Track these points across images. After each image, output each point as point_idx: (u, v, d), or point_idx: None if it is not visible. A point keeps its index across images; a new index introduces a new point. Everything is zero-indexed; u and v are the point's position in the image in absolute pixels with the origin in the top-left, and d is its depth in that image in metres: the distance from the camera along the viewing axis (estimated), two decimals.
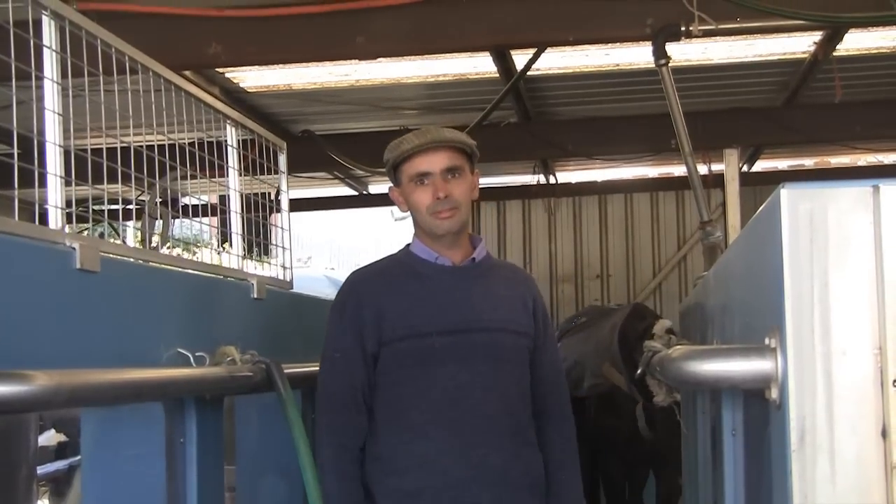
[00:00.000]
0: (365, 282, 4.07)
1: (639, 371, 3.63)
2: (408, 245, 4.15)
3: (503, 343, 4.02)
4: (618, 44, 8.18)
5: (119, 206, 4.31)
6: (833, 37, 8.29)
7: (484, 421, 3.92)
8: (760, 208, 2.08)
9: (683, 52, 8.31)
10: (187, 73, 7.74)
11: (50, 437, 8.41)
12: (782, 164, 13.83)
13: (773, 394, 1.87)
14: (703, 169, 10.26)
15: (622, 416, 7.62)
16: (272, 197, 5.48)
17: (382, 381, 3.94)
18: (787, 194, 1.82)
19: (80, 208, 3.59)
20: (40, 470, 6.65)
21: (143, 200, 4.92)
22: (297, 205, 12.17)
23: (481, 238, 4.22)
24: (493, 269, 4.20)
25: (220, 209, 4.93)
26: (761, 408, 2.21)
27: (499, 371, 3.98)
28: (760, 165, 13.44)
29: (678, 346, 2.61)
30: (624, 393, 7.56)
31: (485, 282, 4.09)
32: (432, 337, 3.90)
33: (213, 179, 4.71)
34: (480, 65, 8.96)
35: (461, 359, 3.92)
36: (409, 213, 4.10)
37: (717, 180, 11.07)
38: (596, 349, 8.16)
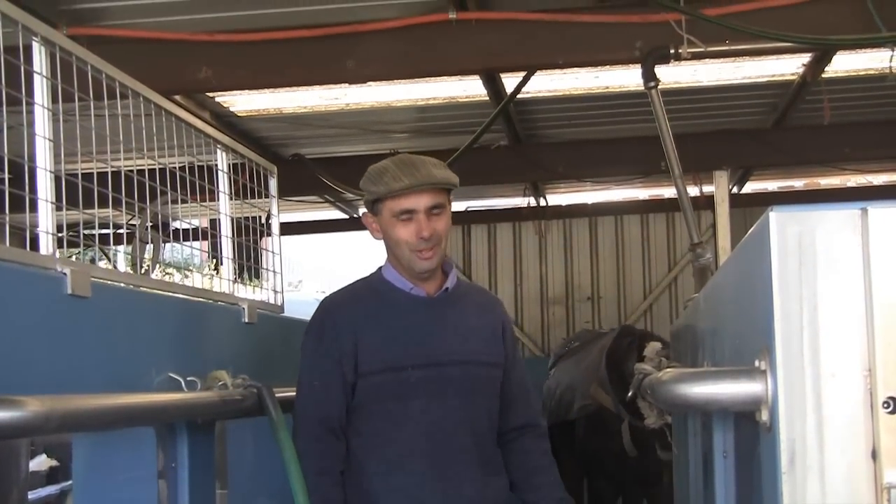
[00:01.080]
0: (341, 308, 4.04)
1: (630, 393, 3.63)
2: (379, 268, 4.14)
3: (476, 375, 4.04)
4: (607, 66, 8.21)
5: (110, 231, 4.30)
6: (821, 59, 8.32)
7: (457, 453, 3.95)
8: (750, 231, 2.08)
9: (673, 75, 8.33)
10: (177, 97, 7.75)
11: (41, 462, 8.38)
12: (772, 185, 13.88)
13: (764, 416, 1.88)
14: (693, 191, 10.30)
15: (610, 436, 7.63)
16: (263, 221, 5.48)
17: (359, 413, 3.94)
18: (776, 217, 1.83)
19: (71, 233, 3.59)
20: (31, 495, 6.63)
21: (134, 225, 4.92)
22: (288, 228, 12.16)
23: (452, 264, 4.20)
24: (464, 296, 4.19)
25: (210, 233, 4.93)
26: (752, 430, 2.21)
27: (471, 404, 4.01)
28: (750, 187, 13.48)
29: (668, 369, 2.61)
30: (611, 413, 7.57)
31: (457, 312, 4.09)
32: (408, 371, 3.91)
33: (204, 204, 4.71)
34: (470, 88, 8.97)
35: (435, 393, 3.93)
36: (381, 239, 4.07)
37: (707, 202, 11.09)
38: (585, 372, 8.19)
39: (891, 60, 7.35)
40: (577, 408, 8.11)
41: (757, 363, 1.90)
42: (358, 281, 4.19)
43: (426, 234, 3.88)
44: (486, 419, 4.07)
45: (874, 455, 1.77)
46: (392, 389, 3.89)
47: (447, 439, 3.93)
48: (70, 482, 4.41)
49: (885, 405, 1.76)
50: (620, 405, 7.34)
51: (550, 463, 4.26)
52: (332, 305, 4.07)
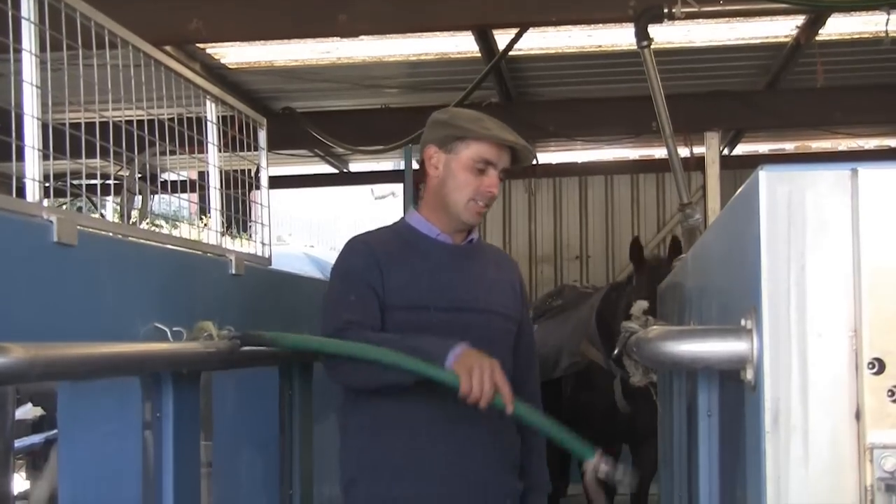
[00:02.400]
0: (367, 245, 3.99)
1: (616, 351, 3.64)
2: (402, 218, 4.15)
3: (494, 325, 4.04)
4: (600, 25, 8.20)
5: (98, 182, 4.29)
6: (815, 21, 8.31)
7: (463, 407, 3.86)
8: (739, 190, 2.08)
9: (666, 35, 8.32)
10: (168, 48, 7.71)
11: (27, 411, 8.39)
12: (763, 147, 13.88)
13: (749, 375, 1.87)
14: (683, 152, 10.29)
15: (598, 393, 7.65)
16: (252, 174, 5.47)
17: None
18: (766, 176, 1.82)
19: (59, 183, 3.58)
20: (17, 444, 6.64)
21: (123, 176, 4.91)
22: (278, 182, 12.13)
23: None
24: (484, 251, 4.24)
25: (199, 185, 4.92)
26: (736, 389, 2.22)
27: (489, 353, 3.85)
28: (741, 149, 13.48)
29: (655, 327, 2.61)
30: (600, 370, 7.59)
31: (478, 263, 4.11)
32: (430, 311, 3.90)
33: (193, 155, 4.69)
34: (462, 44, 8.96)
35: (455, 337, 3.81)
36: (434, 176, 4.04)
37: (697, 163, 11.08)
38: (574, 330, 8.20)
39: (886, 24, 7.33)
40: (565, 365, 8.12)
41: (743, 322, 1.89)
42: (382, 227, 4.20)
43: (495, 190, 3.93)
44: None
45: (858, 416, 1.77)
46: (412, 328, 3.84)
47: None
48: (55, 431, 4.41)
49: (871, 366, 1.76)
50: (610, 360, 7.37)
51: (541, 446, 4.27)
52: (358, 243, 4.02)
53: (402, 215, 4.18)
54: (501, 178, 3.98)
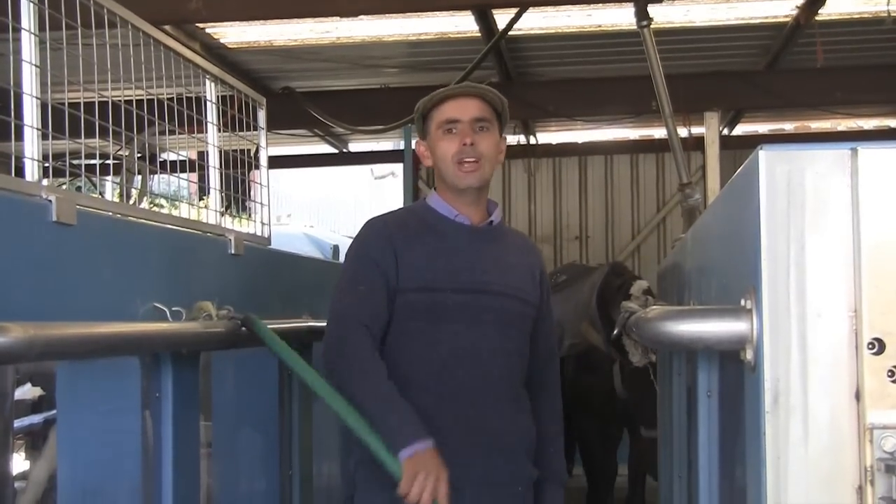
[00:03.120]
0: (387, 226, 3.98)
1: (615, 332, 3.64)
2: (424, 199, 4.13)
3: (511, 309, 3.99)
4: (600, 4, 8.18)
5: (97, 161, 4.28)
6: (815, 1, 8.29)
7: (485, 383, 3.89)
8: (739, 169, 2.07)
9: (666, 15, 8.31)
10: (167, 28, 7.70)
11: (27, 391, 8.39)
12: (762, 128, 13.87)
13: (748, 355, 1.87)
14: (683, 132, 10.28)
15: (598, 375, 7.65)
16: (251, 153, 5.46)
17: (390, 330, 3.86)
18: (766, 156, 1.82)
19: (58, 163, 3.57)
20: (16, 424, 6.64)
21: (122, 156, 4.90)
22: (278, 162, 12.15)
23: (497, 203, 4.17)
24: (505, 234, 4.19)
25: (199, 165, 4.91)
26: (736, 369, 2.22)
27: (504, 336, 3.95)
28: (741, 129, 13.47)
29: (654, 307, 2.61)
30: (601, 352, 7.59)
31: (498, 246, 4.06)
32: (446, 293, 3.86)
33: (193, 135, 4.69)
34: (462, 24, 8.94)
35: (470, 319, 3.88)
36: (428, 165, 4.08)
37: (697, 143, 11.08)
38: (575, 309, 8.19)
39: (887, 4, 7.31)
40: (566, 346, 8.12)
41: (743, 302, 1.89)
42: (402, 208, 4.21)
43: (468, 139, 3.88)
44: (518, 356, 4.02)
45: (858, 396, 1.77)
46: (427, 310, 3.84)
47: (476, 366, 3.87)
48: (54, 412, 4.41)
49: (870, 346, 1.76)
50: (610, 346, 7.37)
51: (558, 430, 4.25)
52: (377, 223, 4.02)
53: (402, 195, 4.17)
54: (480, 129, 3.93)
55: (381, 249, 3.88)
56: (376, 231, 3.97)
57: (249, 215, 5.53)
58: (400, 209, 4.19)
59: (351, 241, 4.08)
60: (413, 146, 4.13)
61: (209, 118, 4.81)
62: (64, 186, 4.55)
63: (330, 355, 3.79)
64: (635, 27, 6.68)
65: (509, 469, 3.96)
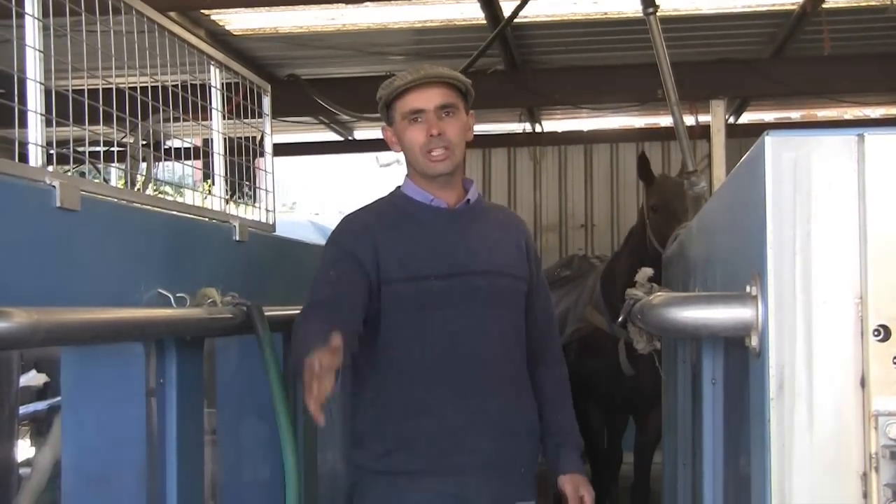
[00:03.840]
0: (360, 222, 3.97)
1: (621, 318, 3.63)
2: (398, 187, 4.09)
3: (501, 287, 3.97)
4: None
5: (101, 148, 4.28)
6: None
7: (482, 367, 3.88)
8: (745, 156, 2.07)
9: (672, 2, 8.29)
10: (172, 14, 7.69)
11: (32, 378, 8.40)
12: (768, 116, 13.84)
13: (753, 342, 1.87)
14: (689, 120, 10.25)
15: (605, 358, 7.63)
16: (256, 140, 5.46)
17: (379, 323, 3.84)
18: (772, 142, 1.81)
19: (63, 149, 3.57)
20: (21, 410, 6.64)
21: (127, 142, 4.90)
22: (283, 150, 12.12)
23: (472, 180, 4.16)
24: (486, 211, 4.16)
25: (203, 151, 4.91)
26: (741, 357, 2.21)
27: (497, 316, 3.94)
28: (747, 117, 13.44)
29: (659, 294, 2.60)
30: (604, 335, 7.59)
31: (480, 224, 4.03)
32: (430, 280, 3.84)
33: (198, 122, 4.68)
34: (467, 11, 8.92)
35: (459, 303, 3.86)
36: (401, 153, 4.04)
37: (703, 132, 11.05)
38: (579, 298, 8.20)
39: None
40: (570, 331, 8.12)
41: (748, 289, 1.88)
42: (378, 199, 4.14)
43: (435, 130, 3.85)
44: (514, 334, 4.01)
45: (863, 383, 1.76)
46: (414, 300, 3.82)
47: (472, 352, 3.86)
48: (59, 398, 4.41)
49: (876, 333, 1.75)
50: (614, 325, 7.38)
51: (565, 397, 4.25)
52: (352, 217, 4.03)
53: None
54: (445, 115, 3.90)
55: (357, 242, 3.87)
56: (352, 225, 3.98)
57: (255, 202, 5.52)
58: (375, 201, 4.12)
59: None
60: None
61: (214, 105, 4.80)
62: (68, 173, 4.54)
63: (293, 328, 3.76)
64: (641, 14, 6.65)
65: (511, 451, 3.97)
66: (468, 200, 4.04)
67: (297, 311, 3.96)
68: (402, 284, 3.83)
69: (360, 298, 3.79)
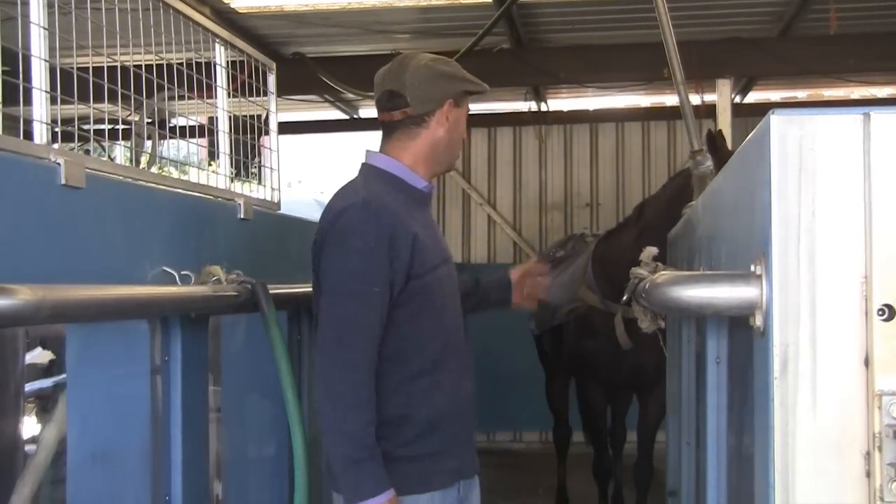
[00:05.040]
0: (388, 207, 3.72)
1: (625, 297, 3.63)
2: (376, 167, 3.94)
3: (455, 273, 4.10)
4: None
5: (106, 126, 4.28)
6: None
7: (466, 348, 4.01)
8: (750, 134, 2.06)
9: None
10: None
11: (37, 355, 8.41)
12: (775, 95, 13.82)
13: (758, 321, 1.86)
14: (695, 99, 10.24)
15: (604, 336, 7.63)
16: (262, 119, 5.45)
17: (405, 313, 3.74)
18: (777, 120, 1.81)
19: (68, 127, 3.57)
20: (27, 387, 6.66)
21: (132, 120, 4.89)
22: (288, 128, 12.12)
23: None
24: None
25: (208, 129, 4.90)
26: (745, 336, 2.21)
27: (460, 302, 4.10)
28: (753, 97, 13.42)
29: (664, 272, 2.60)
30: (601, 314, 7.59)
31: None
32: (439, 269, 3.85)
33: (203, 100, 4.68)
34: None
35: (452, 291, 3.97)
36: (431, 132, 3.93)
37: (709, 111, 11.04)
38: (572, 277, 8.21)
39: None
40: (564, 311, 8.14)
41: (753, 268, 1.88)
42: (374, 180, 3.88)
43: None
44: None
45: (867, 362, 1.76)
46: (436, 288, 3.83)
47: (460, 333, 3.98)
48: (64, 375, 4.42)
49: (881, 312, 1.75)
50: (609, 301, 7.40)
51: None
52: (378, 204, 3.71)
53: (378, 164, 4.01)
54: None
55: (392, 245, 3.67)
56: (386, 223, 3.68)
57: (260, 180, 5.52)
58: (377, 184, 3.85)
59: (344, 225, 3.69)
60: (427, 107, 3.95)
61: (219, 83, 4.80)
62: (73, 151, 4.54)
63: (337, 365, 3.61)
64: None
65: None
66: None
67: (302, 289, 3.95)
68: (430, 274, 3.80)
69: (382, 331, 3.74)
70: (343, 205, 3.74)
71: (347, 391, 3.57)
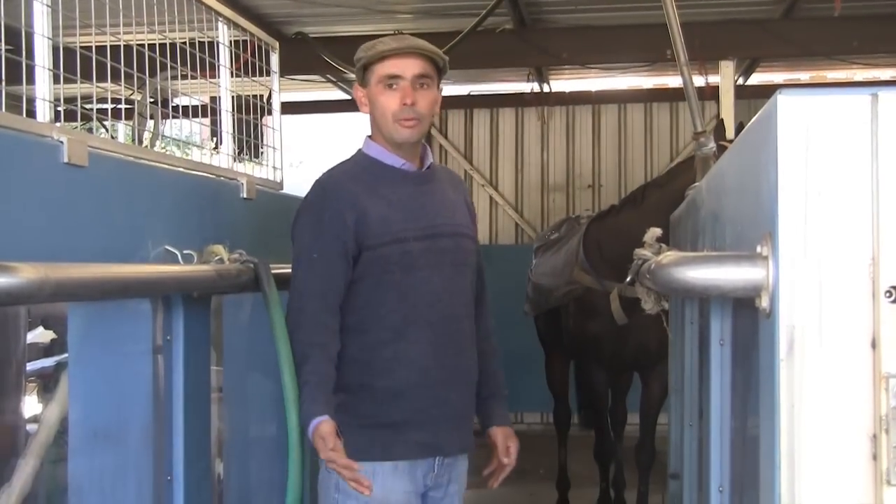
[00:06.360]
0: (340, 185, 4.04)
1: (629, 278, 3.63)
2: (360, 150, 4.17)
3: (464, 247, 4.15)
4: None
5: (109, 105, 4.27)
6: None
7: (453, 323, 4.06)
8: (757, 115, 2.05)
9: None
10: None
11: (39, 335, 8.41)
12: (778, 77, 13.79)
13: (764, 302, 1.86)
14: (698, 81, 10.21)
15: (602, 321, 7.63)
16: (264, 98, 5.44)
17: (363, 284, 3.97)
18: (785, 101, 1.80)
19: (71, 106, 3.56)
20: (29, 367, 6.65)
21: (135, 99, 4.88)
22: (290, 108, 12.09)
23: (426, 145, 4.26)
24: (439, 173, 4.27)
25: (211, 109, 4.89)
26: (750, 317, 2.20)
27: (461, 275, 4.13)
28: (756, 78, 13.39)
29: (668, 253, 2.59)
30: (598, 294, 7.59)
31: (438, 186, 4.17)
32: (410, 242, 3.97)
33: (206, 80, 4.67)
34: None
35: (434, 263, 4.02)
36: (367, 115, 4.12)
37: (712, 93, 11.02)
38: (566, 259, 8.22)
39: None
40: (561, 294, 8.15)
41: (759, 249, 1.87)
42: (345, 161, 4.20)
43: (409, 100, 3.94)
44: (471, 291, 4.21)
45: (874, 344, 1.76)
46: (397, 261, 3.94)
47: (445, 309, 4.02)
48: (66, 355, 4.41)
49: (888, 294, 1.75)
50: (603, 280, 7.41)
51: (496, 346, 4.40)
52: (329, 182, 4.07)
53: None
54: (420, 86, 3.99)
55: (337, 213, 3.95)
56: (330, 194, 4.03)
57: (261, 160, 5.51)
58: (344, 163, 4.19)
59: (303, 201, 4.11)
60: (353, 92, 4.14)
61: (222, 62, 4.79)
62: (76, 129, 4.53)
63: (289, 325, 3.94)
64: None
65: (470, 401, 4.20)
66: (429, 164, 4.17)
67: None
68: (386, 247, 3.95)
69: (344, 282, 3.96)
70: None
71: (299, 349, 3.90)
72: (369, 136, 4.14)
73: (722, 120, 7.30)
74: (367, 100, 4.06)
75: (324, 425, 3.73)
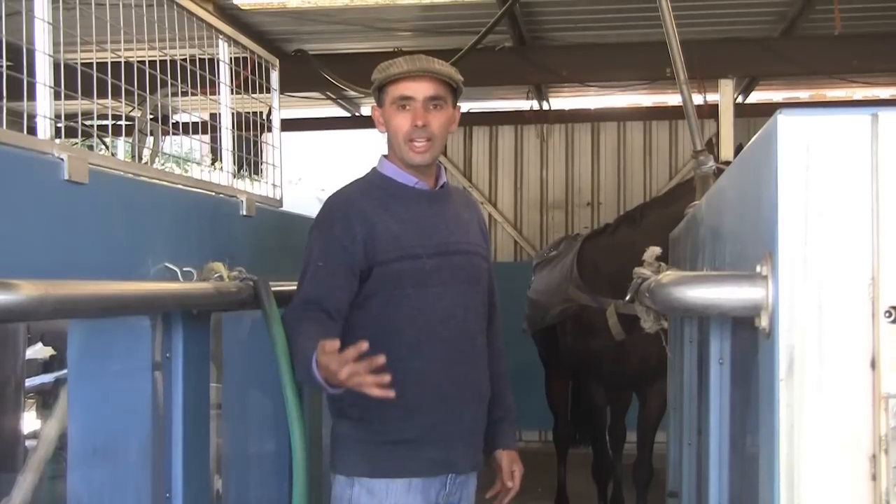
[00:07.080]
0: (351, 202, 4.07)
1: (628, 297, 3.64)
2: (374, 168, 4.21)
3: (476, 265, 4.18)
4: None
5: (109, 122, 4.27)
6: None
7: (465, 341, 4.08)
8: (757, 134, 2.06)
9: None
10: None
11: (38, 350, 8.41)
12: (778, 95, 13.80)
13: (763, 322, 1.86)
14: (698, 99, 10.22)
15: (600, 338, 7.64)
16: (264, 115, 5.45)
17: (375, 301, 3.98)
18: (785, 120, 1.80)
19: (71, 122, 3.56)
20: (27, 383, 6.65)
21: (135, 116, 4.89)
22: (290, 125, 12.11)
23: (440, 164, 4.31)
24: (452, 193, 4.31)
25: (210, 126, 4.90)
26: (749, 337, 2.20)
27: (474, 292, 4.16)
28: (755, 97, 13.40)
29: (668, 273, 2.59)
30: (596, 312, 7.60)
31: (451, 206, 4.21)
32: (422, 259, 3.99)
33: (206, 97, 4.67)
34: None
35: (447, 280, 4.04)
36: (384, 134, 4.17)
37: (711, 111, 11.02)
38: (560, 277, 8.24)
39: None
40: (556, 312, 8.16)
41: (759, 268, 1.88)
42: (358, 179, 4.24)
43: (420, 122, 3.98)
44: (483, 308, 4.23)
45: (874, 364, 1.76)
46: (410, 277, 3.97)
47: (458, 326, 4.05)
48: (66, 371, 4.42)
49: (888, 314, 1.75)
50: (598, 297, 7.43)
51: (505, 366, 4.43)
52: (341, 198, 4.11)
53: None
54: (433, 107, 4.02)
55: (346, 227, 3.97)
56: (340, 209, 4.05)
57: (261, 177, 5.51)
58: (357, 181, 4.23)
59: (315, 217, 4.15)
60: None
61: (222, 79, 4.79)
62: (76, 146, 4.54)
63: (286, 328, 3.95)
64: None
65: (482, 418, 4.22)
66: (443, 184, 4.22)
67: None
68: (398, 263, 3.97)
69: (347, 294, 3.98)
70: None
71: (288, 335, 3.92)
72: (384, 156, 4.19)
73: (711, 139, 7.31)
74: (383, 120, 4.11)
75: (321, 356, 3.58)
